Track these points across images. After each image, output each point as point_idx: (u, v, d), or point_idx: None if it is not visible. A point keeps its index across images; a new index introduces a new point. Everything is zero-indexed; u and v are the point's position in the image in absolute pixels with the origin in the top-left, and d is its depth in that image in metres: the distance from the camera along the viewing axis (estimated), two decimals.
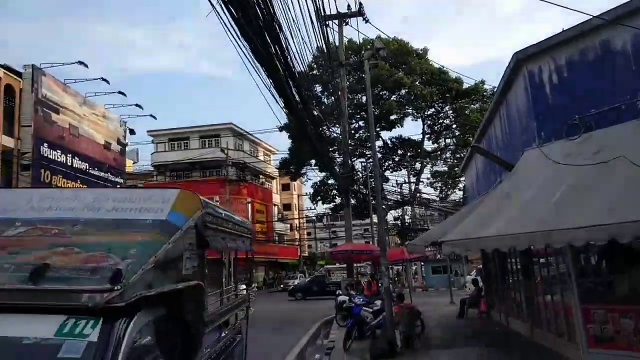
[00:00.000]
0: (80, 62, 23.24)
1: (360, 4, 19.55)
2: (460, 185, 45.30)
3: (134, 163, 52.48)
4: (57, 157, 23.69)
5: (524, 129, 7.97)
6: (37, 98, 22.59)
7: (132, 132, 32.12)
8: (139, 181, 46.42)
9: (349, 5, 20.57)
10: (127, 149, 61.01)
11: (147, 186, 44.84)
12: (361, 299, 10.56)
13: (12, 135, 21.92)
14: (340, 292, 15.64)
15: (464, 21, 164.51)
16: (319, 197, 41.19)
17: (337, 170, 24.71)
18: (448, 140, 43.36)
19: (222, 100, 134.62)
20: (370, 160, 38.02)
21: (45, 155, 22.89)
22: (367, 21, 20.06)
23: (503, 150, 9.06)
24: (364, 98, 37.31)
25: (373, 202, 28.83)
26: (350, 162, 20.56)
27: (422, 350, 8.90)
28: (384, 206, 32.97)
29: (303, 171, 42.57)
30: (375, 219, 29.96)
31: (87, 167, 25.96)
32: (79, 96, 26.07)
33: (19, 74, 22.53)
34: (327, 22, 19.30)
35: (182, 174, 47.27)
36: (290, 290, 30.11)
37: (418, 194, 37.32)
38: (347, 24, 20.98)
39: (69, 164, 24.51)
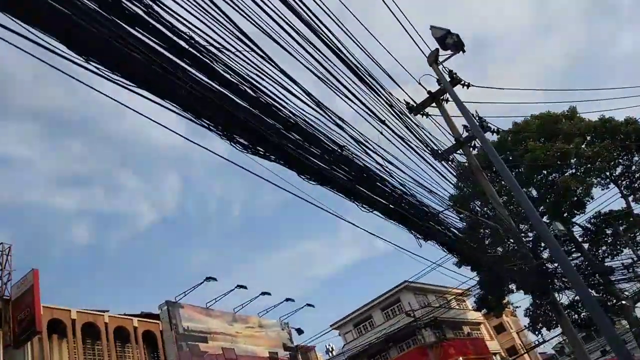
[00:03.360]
0: (209, 278, 21.70)
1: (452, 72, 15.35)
2: None
3: None
4: None
5: None
6: (177, 334, 20.88)
7: (299, 331, 29.06)
8: None
9: (438, 81, 16.26)
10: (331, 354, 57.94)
11: None
12: None
13: None
14: None
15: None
16: (539, 325, 32.53)
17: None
18: None
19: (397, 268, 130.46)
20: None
21: None
22: (468, 86, 15.49)
23: None
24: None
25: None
26: (534, 251, 14.58)
27: None
28: (627, 303, 23.87)
29: (505, 300, 34.90)
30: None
31: None
32: (226, 315, 24.19)
33: (156, 317, 21.43)
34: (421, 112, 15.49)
35: (380, 357, 41.82)
36: None
37: None
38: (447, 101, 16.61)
39: None
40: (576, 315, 30.86)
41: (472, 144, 16.83)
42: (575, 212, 30.58)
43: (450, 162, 15.63)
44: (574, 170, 32.02)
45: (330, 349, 61.64)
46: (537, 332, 33.79)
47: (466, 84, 14.86)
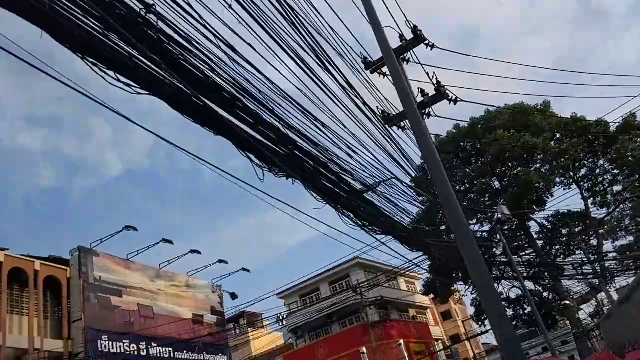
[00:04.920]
0: (128, 227, 19.70)
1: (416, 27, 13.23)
2: None
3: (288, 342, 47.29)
4: (125, 349, 19.11)
5: None
6: (87, 284, 18.97)
7: (233, 296, 27.39)
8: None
9: (401, 37, 14.06)
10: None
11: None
12: None
13: (62, 336, 17.99)
14: None
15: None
16: (483, 315, 31.68)
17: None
18: (622, 205, 32.35)
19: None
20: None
21: (107, 350, 18.42)
22: (432, 47, 13.46)
23: None
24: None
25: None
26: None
27: None
28: (570, 303, 22.86)
29: (453, 288, 33.90)
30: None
31: (172, 353, 20.95)
32: (149, 269, 22.33)
33: (66, 263, 19.44)
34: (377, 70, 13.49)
35: (322, 331, 40.69)
36: None
37: (608, 274, 26.52)
38: (407, 61, 14.51)
39: (143, 354, 19.72)
40: (521, 311, 29.87)
41: (427, 112, 14.90)
42: (535, 208, 29.42)
43: (402, 130, 13.79)
44: (539, 166, 30.71)
45: (282, 319, 60.51)
46: (480, 323, 33.02)
47: (430, 44, 12.91)
